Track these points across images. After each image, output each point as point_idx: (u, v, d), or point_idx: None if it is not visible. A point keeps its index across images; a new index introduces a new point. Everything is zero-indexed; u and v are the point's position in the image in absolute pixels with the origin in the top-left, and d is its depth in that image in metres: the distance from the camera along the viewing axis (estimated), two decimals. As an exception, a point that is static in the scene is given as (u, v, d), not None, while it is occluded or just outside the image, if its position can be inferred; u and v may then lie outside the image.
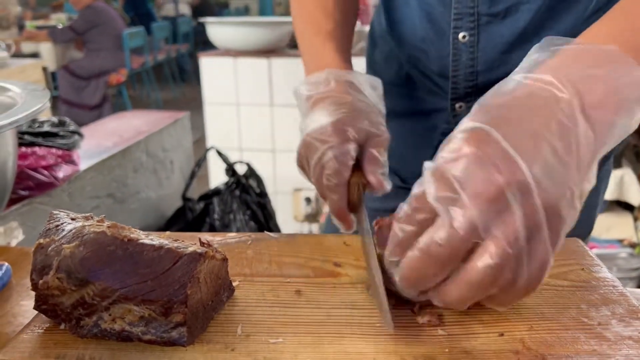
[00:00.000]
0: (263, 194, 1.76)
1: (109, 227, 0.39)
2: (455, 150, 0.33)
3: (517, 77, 0.35)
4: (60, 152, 1.19)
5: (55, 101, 4.54)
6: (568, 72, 0.33)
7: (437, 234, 0.33)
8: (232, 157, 1.93)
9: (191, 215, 1.65)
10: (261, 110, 2.25)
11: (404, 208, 0.36)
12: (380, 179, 0.52)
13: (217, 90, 2.27)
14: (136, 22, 5.86)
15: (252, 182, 1.77)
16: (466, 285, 0.33)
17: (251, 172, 1.79)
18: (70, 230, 0.40)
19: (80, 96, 4.33)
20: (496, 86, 0.36)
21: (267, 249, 0.55)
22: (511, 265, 0.32)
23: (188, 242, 0.42)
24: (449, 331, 0.42)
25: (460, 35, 0.63)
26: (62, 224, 0.41)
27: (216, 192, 1.72)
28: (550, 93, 0.33)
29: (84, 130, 1.65)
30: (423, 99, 0.72)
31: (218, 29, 2.19)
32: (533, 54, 0.37)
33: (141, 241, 0.39)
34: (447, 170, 0.33)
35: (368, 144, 0.53)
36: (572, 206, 0.32)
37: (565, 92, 0.33)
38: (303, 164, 0.56)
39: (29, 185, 1.12)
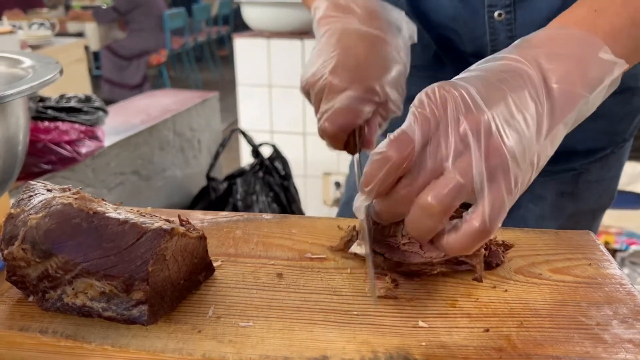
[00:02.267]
0: (287, 177, 1.75)
1: (76, 198, 0.38)
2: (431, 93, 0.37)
3: (496, 55, 0.40)
4: (83, 128, 1.20)
5: (98, 80, 4.65)
6: (536, 52, 0.39)
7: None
8: (263, 139, 1.93)
9: (214, 195, 1.66)
10: (293, 93, 2.23)
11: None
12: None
13: (250, 71, 2.25)
14: (177, 3, 5.92)
15: (278, 165, 1.76)
16: (418, 209, 0.36)
17: (277, 154, 1.78)
18: (41, 201, 0.39)
19: (121, 75, 4.42)
20: (482, 60, 0.40)
21: (256, 229, 0.54)
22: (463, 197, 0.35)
23: (166, 218, 0.41)
24: (430, 323, 0.40)
25: (496, 13, 0.60)
26: (35, 194, 0.41)
27: (240, 173, 1.72)
28: (521, 69, 0.38)
29: (113, 108, 1.67)
30: None
31: (252, 10, 2.18)
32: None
33: (107, 214, 0.38)
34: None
35: (380, 110, 0.52)
36: (529, 165, 0.36)
37: (531, 68, 0.38)
38: (308, 89, 0.53)
39: (51, 160, 1.14)
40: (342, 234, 0.53)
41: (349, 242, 0.49)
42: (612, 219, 1.88)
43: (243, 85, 2.26)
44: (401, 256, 0.45)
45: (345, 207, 0.83)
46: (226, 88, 3.88)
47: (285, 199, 1.74)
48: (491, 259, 0.47)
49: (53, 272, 0.37)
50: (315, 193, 2.34)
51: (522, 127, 0.36)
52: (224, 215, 0.57)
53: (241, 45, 2.21)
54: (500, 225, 0.35)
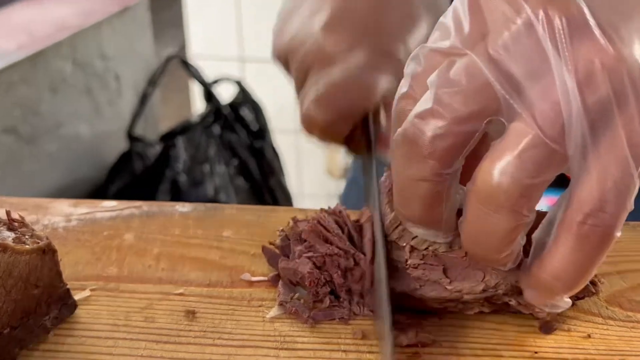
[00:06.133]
0: (261, 133, 1.71)
1: None
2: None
3: None
4: None
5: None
6: None
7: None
8: (224, 72, 1.89)
9: (142, 165, 1.62)
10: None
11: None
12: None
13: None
14: None
15: (246, 114, 1.72)
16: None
17: (244, 98, 1.74)
18: None
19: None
20: None
21: (162, 230, 0.54)
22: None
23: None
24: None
25: None
26: None
27: (183, 128, 1.68)
28: None
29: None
30: None
31: None
32: None
33: None
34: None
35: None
36: None
37: None
38: (287, 57, 0.56)
39: None
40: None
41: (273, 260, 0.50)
42: None
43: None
44: (409, 286, 0.45)
45: (351, 187, 0.89)
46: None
47: (257, 170, 1.71)
48: None
49: None
50: (314, 159, 2.31)
51: None
52: (106, 208, 0.57)
53: None
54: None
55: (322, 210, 0.48)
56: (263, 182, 1.70)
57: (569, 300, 0.40)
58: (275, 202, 1.74)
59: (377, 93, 0.51)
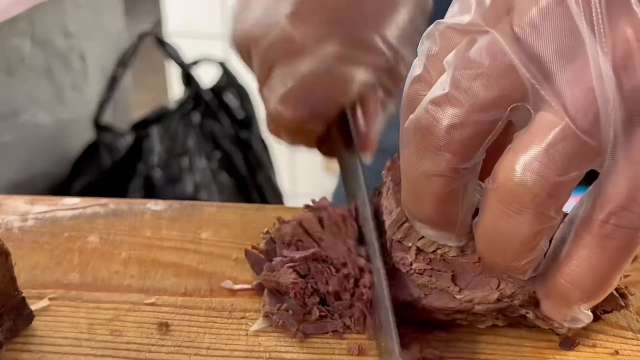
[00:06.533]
0: (248, 122, 1.71)
1: None
2: None
3: None
4: None
5: None
6: None
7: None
8: (205, 52, 1.89)
9: (110, 159, 1.62)
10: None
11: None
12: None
13: None
14: None
15: (230, 100, 1.72)
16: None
17: (229, 81, 1.74)
18: None
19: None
20: None
21: (131, 231, 0.55)
22: None
23: None
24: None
25: None
26: None
27: (159, 116, 1.68)
28: None
29: None
30: None
31: None
32: None
33: None
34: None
35: (383, 79, 0.55)
36: None
37: None
38: (248, 48, 0.56)
39: None
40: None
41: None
42: None
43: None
44: (412, 295, 0.45)
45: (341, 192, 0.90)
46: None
47: (243, 164, 1.71)
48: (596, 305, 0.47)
49: None
50: (309, 153, 2.30)
51: None
52: (68, 206, 0.57)
53: None
54: None
55: (305, 207, 0.49)
56: (250, 179, 1.70)
57: (590, 314, 0.41)
58: (263, 201, 1.73)
59: (353, 87, 0.52)
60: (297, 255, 0.46)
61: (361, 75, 0.52)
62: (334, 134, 0.53)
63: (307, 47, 0.51)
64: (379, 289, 0.43)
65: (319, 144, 0.55)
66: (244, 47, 0.55)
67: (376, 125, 0.54)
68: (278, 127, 0.53)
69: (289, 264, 0.45)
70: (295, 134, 0.53)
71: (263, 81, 0.54)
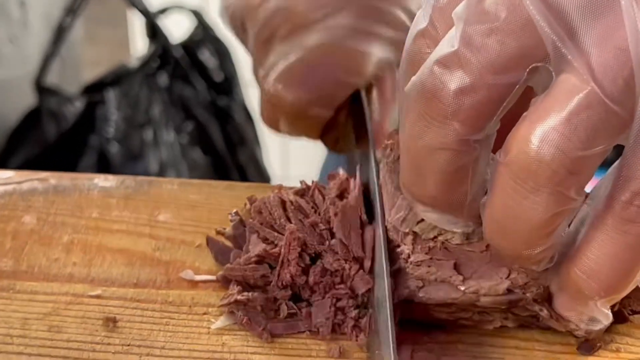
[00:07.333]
0: (227, 86, 1.71)
1: None
2: None
3: None
4: None
5: None
6: None
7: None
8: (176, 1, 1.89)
9: (56, 129, 1.62)
10: None
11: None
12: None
13: None
14: None
15: (206, 58, 1.72)
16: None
17: (204, 35, 1.74)
18: None
19: None
20: None
21: (75, 211, 0.54)
22: None
23: None
24: None
25: None
26: None
27: (117, 77, 1.67)
28: None
29: None
30: None
31: None
32: None
33: None
34: None
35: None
36: None
37: None
38: (243, 19, 0.57)
39: None
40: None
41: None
42: None
43: None
44: (407, 287, 0.45)
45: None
46: None
47: (221, 138, 1.71)
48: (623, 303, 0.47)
49: None
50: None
51: None
52: (0, 180, 0.57)
53: None
54: None
55: (280, 188, 0.49)
56: (229, 157, 1.69)
57: (609, 314, 0.41)
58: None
59: (369, 65, 0.52)
60: (266, 242, 0.46)
61: (378, 52, 0.52)
62: (342, 123, 0.53)
63: (314, 17, 0.51)
64: (380, 289, 0.43)
65: (324, 134, 0.55)
66: (238, 17, 0.55)
67: (393, 113, 0.53)
68: (276, 113, 0.53)
69: (249, 255, 0.45)
70: (297, 121, 0.54)
71: (260, 58, 0.54)
